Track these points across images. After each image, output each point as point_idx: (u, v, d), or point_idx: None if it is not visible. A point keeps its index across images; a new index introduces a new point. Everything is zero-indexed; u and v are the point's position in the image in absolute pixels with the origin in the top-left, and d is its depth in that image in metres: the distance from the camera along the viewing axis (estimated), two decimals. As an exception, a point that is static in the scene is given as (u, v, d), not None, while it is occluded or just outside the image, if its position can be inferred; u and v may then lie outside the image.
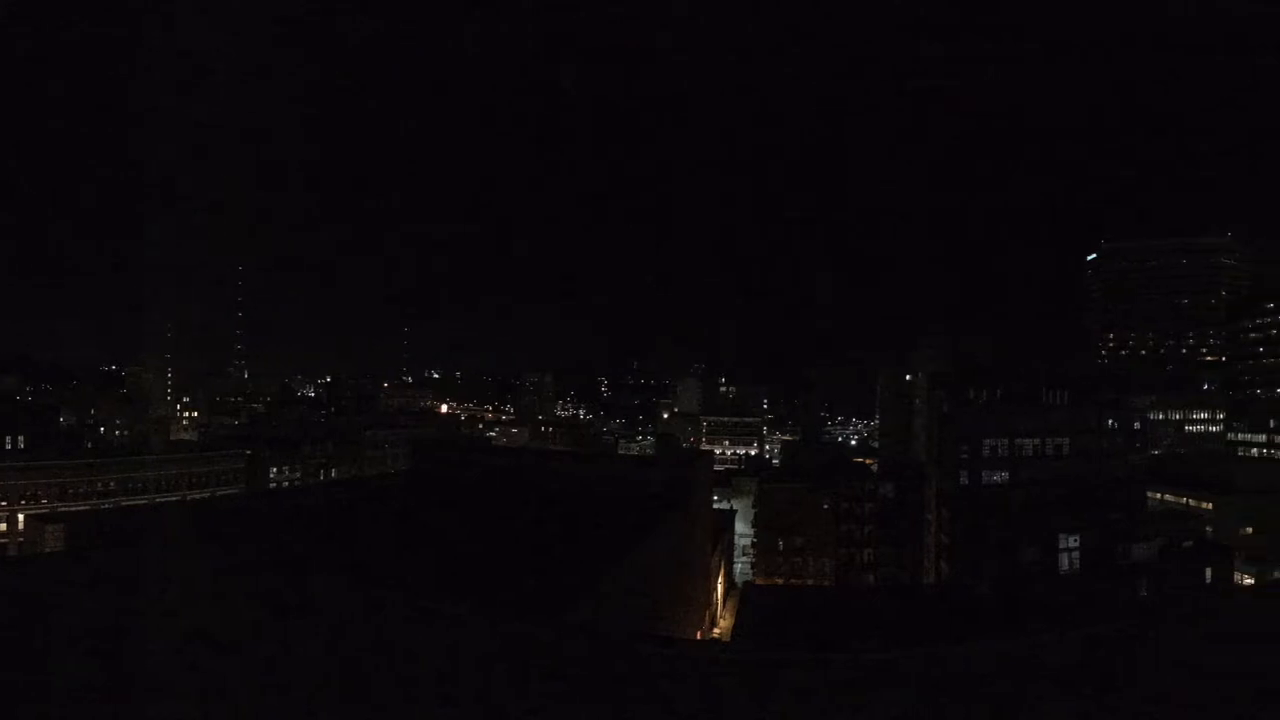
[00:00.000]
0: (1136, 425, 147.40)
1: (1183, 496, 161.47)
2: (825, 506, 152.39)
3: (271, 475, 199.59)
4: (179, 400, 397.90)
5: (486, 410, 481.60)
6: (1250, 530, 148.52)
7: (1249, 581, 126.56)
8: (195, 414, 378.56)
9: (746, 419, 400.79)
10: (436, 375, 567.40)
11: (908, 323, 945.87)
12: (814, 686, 13.36)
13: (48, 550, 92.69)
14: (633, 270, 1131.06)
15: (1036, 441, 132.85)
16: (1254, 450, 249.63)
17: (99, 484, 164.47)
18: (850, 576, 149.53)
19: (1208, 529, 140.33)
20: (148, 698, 11.92)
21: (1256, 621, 15.80)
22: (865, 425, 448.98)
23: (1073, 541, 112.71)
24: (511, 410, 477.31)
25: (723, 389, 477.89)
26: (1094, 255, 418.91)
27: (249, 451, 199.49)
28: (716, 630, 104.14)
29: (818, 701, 12.79)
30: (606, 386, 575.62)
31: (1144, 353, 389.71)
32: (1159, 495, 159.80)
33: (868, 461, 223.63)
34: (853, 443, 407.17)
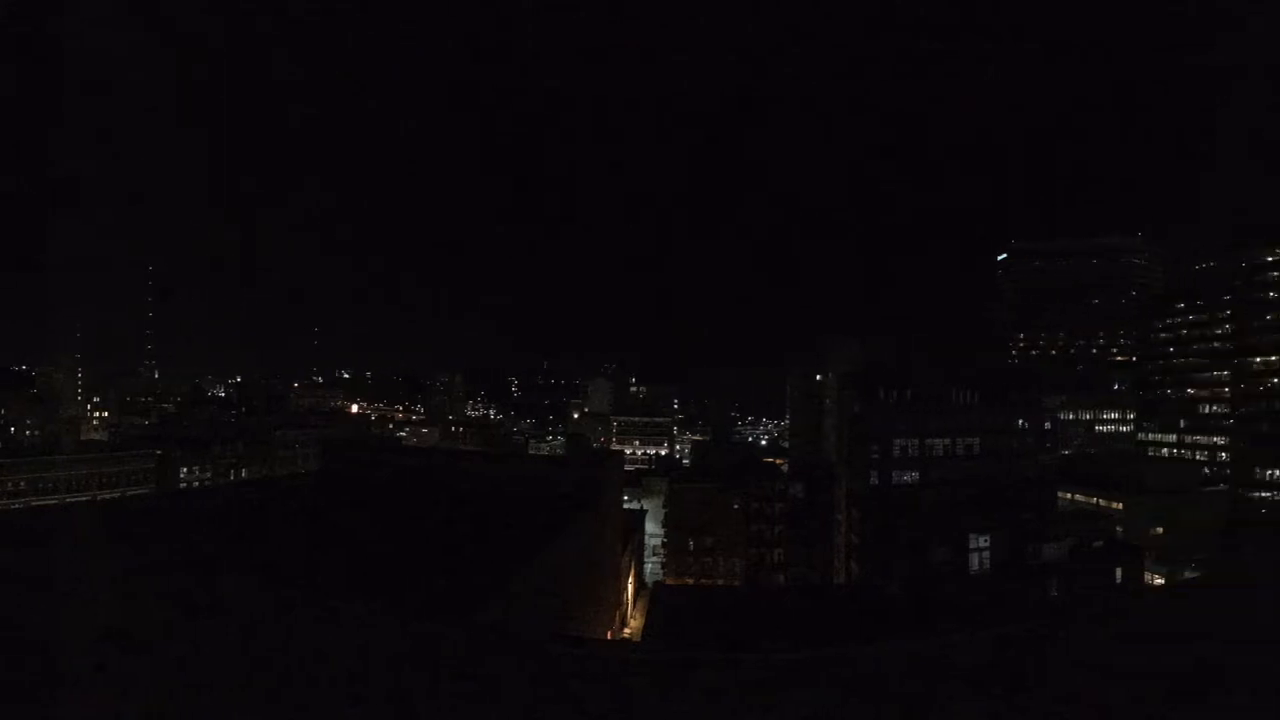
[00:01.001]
0: (1047, 425, 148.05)
1: (1093, 496, 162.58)
2: (735, 506, 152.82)
3: (182, 475, 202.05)
4: (89, 400, 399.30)
5: (397, 410, 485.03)
6: (1160, 530, 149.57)
7: (1159, 581, 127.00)
8: (106, 414, 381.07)
9: (657, 419, 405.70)
10: (347, 375, 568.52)
11: (818, 322, 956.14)
12: (724, 686, 13.06)
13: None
14: (544, 270, 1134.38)
15: (947, 441, 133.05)
16: (1164, 450, 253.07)
17: (9, 484, 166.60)
18: (760, 576, 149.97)
19: (1118, 529, 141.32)
20: (56, 698, 11.66)
21: (1166, 621, 15.55)
22: (775, 425, 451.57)
23: (983, 541, 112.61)
24: (422, 410, 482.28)
25: (633, 389, 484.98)
26: (1004, 255, 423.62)
27: (159, 452, 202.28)
28: (627, 630, 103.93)
29: (728, 701, 12.45)
30: (517, 386, 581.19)
31: (1054, 353, 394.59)
32: (1069, 495, 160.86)
33: (778, 462, 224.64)
34: (763, 443, 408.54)
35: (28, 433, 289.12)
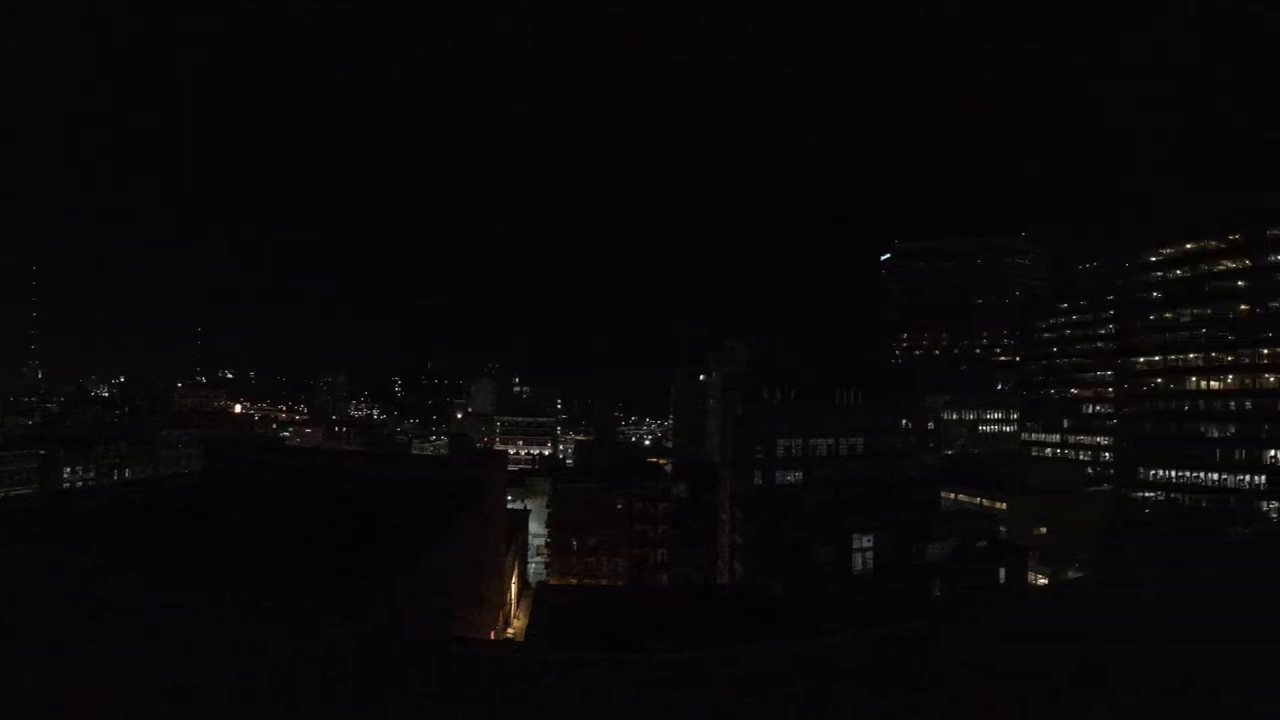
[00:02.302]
0: (930, 425, 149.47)
1: (977, 496, 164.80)
2: (619, 507, 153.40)
3: (65, 475, 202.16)
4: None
5: (280, 410, 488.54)
6: (1043, 530, 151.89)
7: (1042, 581, 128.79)
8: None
9: (540, 419, 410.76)
10: (230, 375, 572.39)
11: (701, 322, 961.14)
12: (608, 686, 13.18)
13: None
14: (428, 270, 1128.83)
15: (831, 441, 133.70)
16: (1047, 450, 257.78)
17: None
18: (644, 576, 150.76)
19: (1001, 529, 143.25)
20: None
21: (1049, 621, 15.47)
22: (659, 425, 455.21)
23: (867, 541, 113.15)
24: (305, 410, 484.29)
25: (516, 389, 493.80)
26: (889, 255, 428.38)
27: (43, 451, 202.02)
28: (510, 630, 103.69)
29: (612, 702, 12.51)
30: (400, 386, 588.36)
31: (938, 352, 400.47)
32: (953, 495, 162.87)
33: (662, 462, 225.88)
34: (647, 443, 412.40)
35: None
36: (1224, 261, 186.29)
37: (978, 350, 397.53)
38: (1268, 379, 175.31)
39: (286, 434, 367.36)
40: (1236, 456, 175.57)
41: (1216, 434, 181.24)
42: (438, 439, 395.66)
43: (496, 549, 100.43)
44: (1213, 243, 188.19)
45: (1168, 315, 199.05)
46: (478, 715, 12.09)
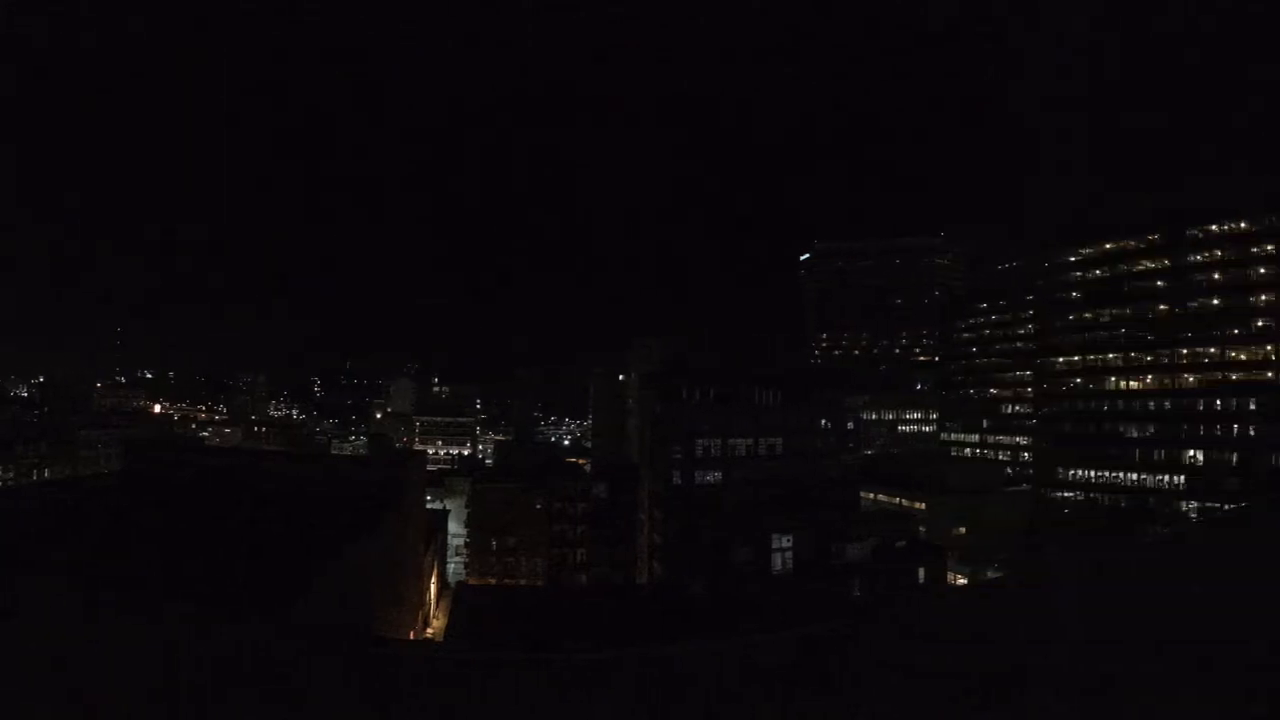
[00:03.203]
0: (850, 425, 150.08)
1: (896, 496, 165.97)
2: (538, 507, 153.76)
3: None
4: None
5: (200, 410, 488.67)
6: (963, 530, 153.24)
7: (962, 581, 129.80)
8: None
9: (459, 419, 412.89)
10: (150, 375, 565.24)
11: (621, 322, 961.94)
12: (528, 686, 12.35)
13: None
14: (346, 269, 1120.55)
15: (750, 441, 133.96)
16: (967, 450, 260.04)
17: None
18: (563, 576, 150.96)
19: (921, 529, 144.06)
20: None
21: (969, 621, 13.93)
22: (579, 425, 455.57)
23: (786, 541, 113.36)
24: (225, 410, 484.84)
25: (436, 389, 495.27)
26: (807, 255, 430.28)
27: None
28: (430, 631, 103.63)
29: (531, 701, 11.78)
30: (319, 386, 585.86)
31: (857, 352, 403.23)
32: (872, 495, 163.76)
33: (581, 462, 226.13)
34: (566, 443, 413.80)
35: None
36: (1143, 261, 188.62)
37: (897, 350, 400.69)
38: (1187, 379, 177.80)
39: (206, 434, 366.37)
40: (1155, 456, 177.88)
41: (1135, 434, 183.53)
42: (357, 439, 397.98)
43: (415, 549, 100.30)
44: (1132, 242, 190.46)
45: (1087, 315, 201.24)
46: (396, 716, 11.60)
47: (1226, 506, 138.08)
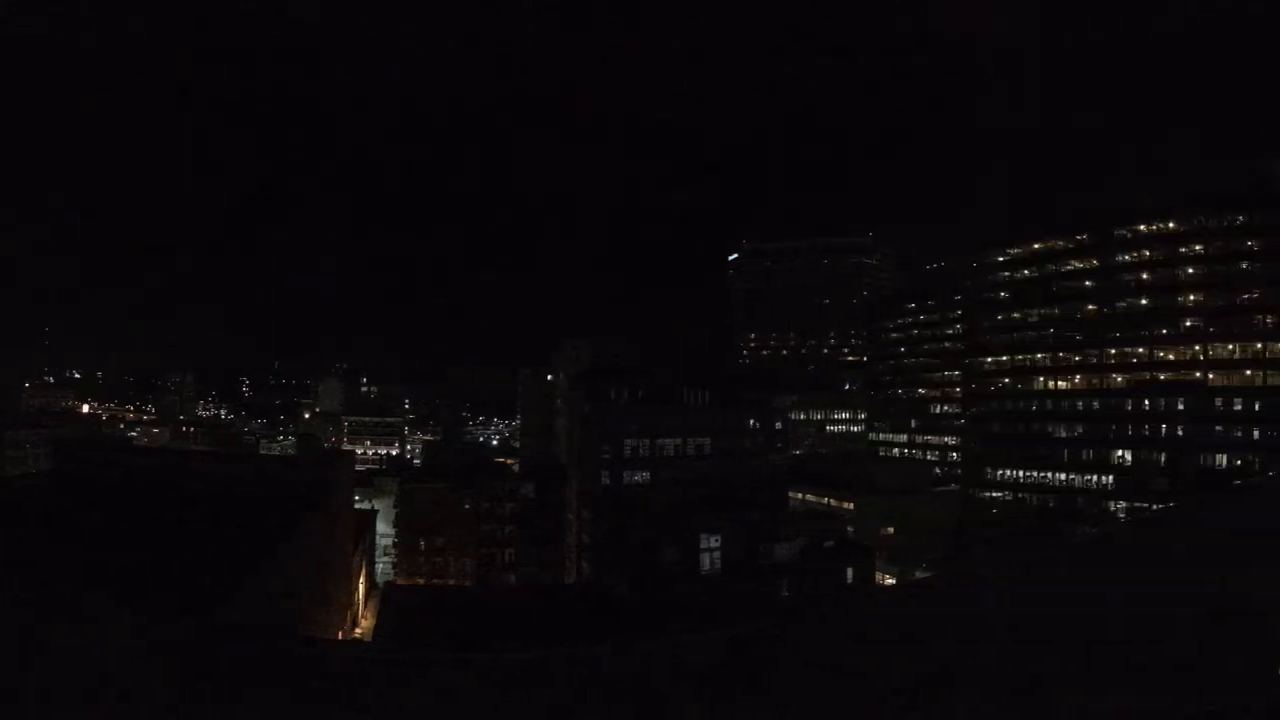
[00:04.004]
0: (778, 425, 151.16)
1: (824, 496, 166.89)
2: (466, 506, 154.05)
3: None
4: None
5: (128, 410, 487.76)
6: (891, 530, 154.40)
7: (890, 581, 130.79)
8: None
9: (388, 419, 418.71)
10: (78, 375, 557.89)
11: (550, 322, 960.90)
12: (456, 686, 13.36)
13: None
14: (275, 269, 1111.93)
15: (678, 441, 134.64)
16: (895, 450, 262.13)
17: None
18: (492, 576, 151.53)
19: (849, 529, 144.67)
20: None
21: (897, 621, 15.49)
22: (507, 425, 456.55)
23: (714, 541, 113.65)
24: (153, 410, 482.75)
25: (364, 389, 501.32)
26: (736, 255, 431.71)
27: None
28: (358, 631, 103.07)
29: (460, 701, 12.79)
30: (248, 386, 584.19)
31: (785, 353, 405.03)
32: (801, 495, 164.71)
33: (509, 462, 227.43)
34: (494, 443, 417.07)
35: None
36: (1071, 261, 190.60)
37: (825, 350, 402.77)
38: (1115, 379, 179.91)
39: (134, 434, 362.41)
40: (1084, 457, 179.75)
41: (1064, 434, 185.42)
42: (285, 439, 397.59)
43: (344, 549, 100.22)
44: (1060, 243, 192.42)
45: (1015, 315, 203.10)
46: (324, 715, 12.17)
47: (1154, 507, 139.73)
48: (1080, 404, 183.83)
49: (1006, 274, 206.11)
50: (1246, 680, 9.60)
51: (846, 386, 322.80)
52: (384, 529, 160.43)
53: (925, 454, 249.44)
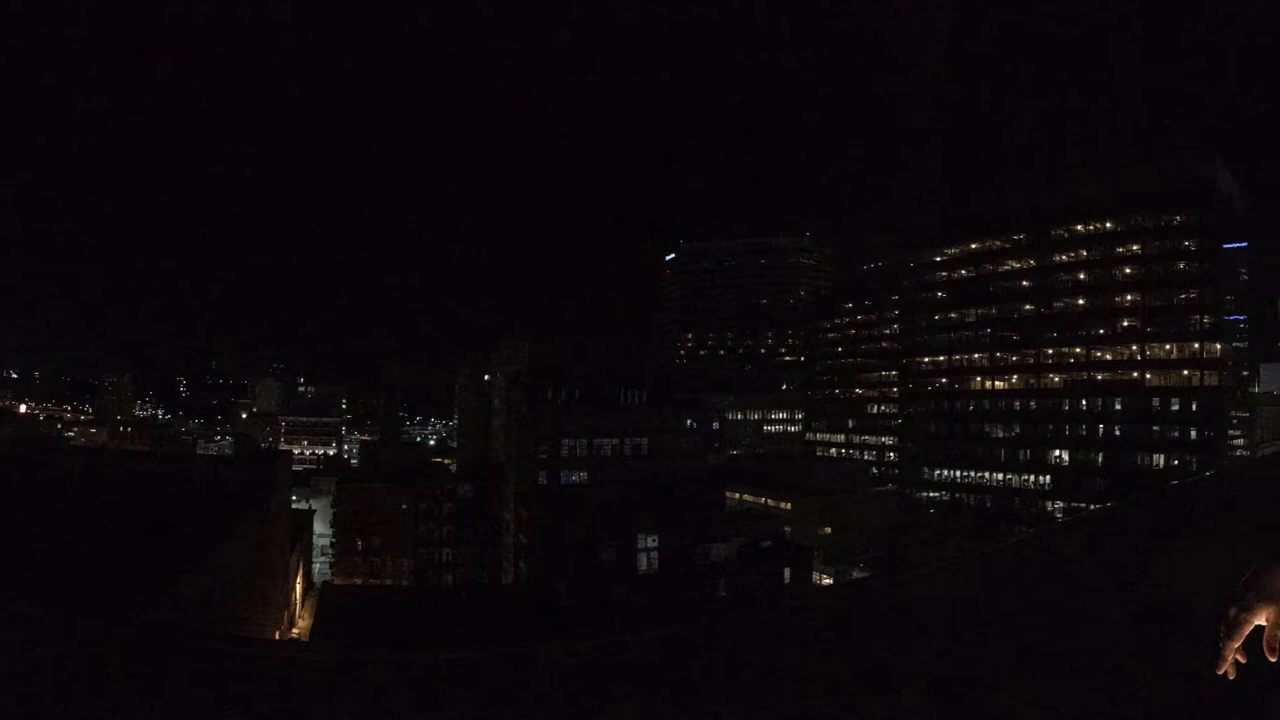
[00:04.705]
0: (715, 425, 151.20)
1: (761, 496, 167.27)
2: (404, 507, 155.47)
3: None
4: None
5: (65, 410, 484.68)
6: (828, 530, 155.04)
7: (827, 581, 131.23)
8: None
9: (325, 419, 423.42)
10: (15, 375, 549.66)
11: (487, 322, 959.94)
12: (392, 686, 12.79)
13: None
14: (211, 268, 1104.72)
15: (616, 441, 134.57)
16: (832, 450, 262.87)
17: None
18: (429, 576, 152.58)
19: (786, 529, 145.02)
20: None
21: (833, 621, 14.90)
22: (444, 425, 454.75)
23: (651, 541, 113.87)
24: (90, 410, 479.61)
25: (301, 389, 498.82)
26: (673, 255, 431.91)
27: None
28: (295, 630, 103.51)
29: (396, 701, 12.15)
30: (185, 386, 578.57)
31: (723, 353, 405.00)
32: (738, 495, 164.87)
33: (447, 462, 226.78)
34: (431, 443, 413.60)
35: None
36: (1009, 261, 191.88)
37: (762, 350, 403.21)
38: (1052, 379, 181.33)
39: (71, 434, 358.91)
40: (1021, 456, 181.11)
41: (1001, 434, 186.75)
42: (223, 439, 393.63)
43: (281, 549, 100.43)
44: (997, 242, 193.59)
45: (952, 315, 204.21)
46: (259, 716, 11.61)
47: (1091, 507, 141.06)
48: (1017, 404, 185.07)
49: (944, 274, 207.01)
50: (1179, 681, 9.65)
51: (784, 386, 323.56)
52: (321, 529, 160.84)
53: (862, 454, 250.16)
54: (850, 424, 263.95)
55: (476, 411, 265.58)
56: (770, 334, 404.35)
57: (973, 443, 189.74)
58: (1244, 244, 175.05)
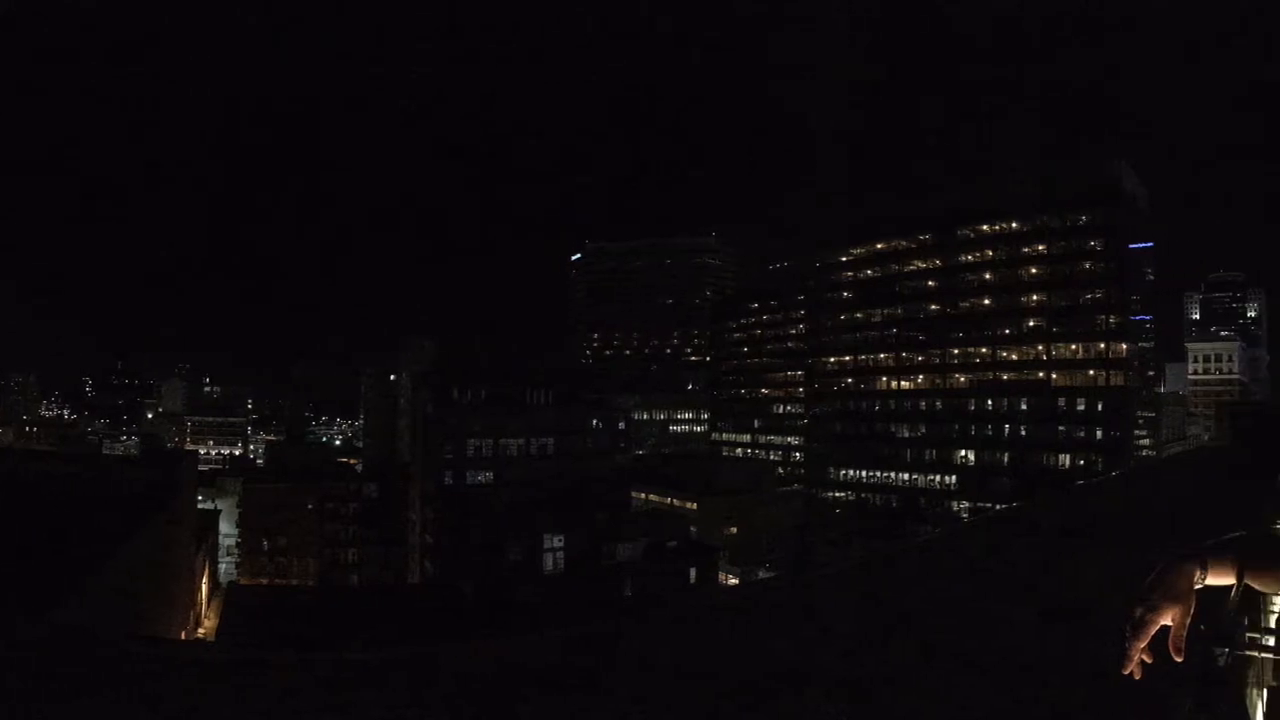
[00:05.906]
0: (621, 425, 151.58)
1: (667, 496, 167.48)
2: (309, 507, 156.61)
3: None
4: None
5: None
6: (734, 530, 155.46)
7: (733, 581, 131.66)
8: None
9: (231, 419, 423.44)
10: None
11: (393, 321, 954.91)
12: (297, 687, 13.11)
13: None
14: (117, 267, 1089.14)
15: (521, 441, 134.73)
16: (738, 450, 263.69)
17: None
18: (335, 576, 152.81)
19: (692, 529, 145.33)
20: None
21: (738, 621, 15.57)
22: (350, 425, 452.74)
23: (557, 541, 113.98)
24: None
25: (207, 389, 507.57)
26: (579, 255, 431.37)
27: None
28: (201, 631, 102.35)
29: (301, 701, 12.41)
30: (91, 386, 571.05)
31: (628, 353, 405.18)
32: (644, 495, 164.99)
33: (352, 462, 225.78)
34: (338, 443, 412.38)
35: None
36: (914, 261, 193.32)
37: (668, 350, 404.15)
38: (958, 379, 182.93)
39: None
40: (927, 456, 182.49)
41: (907, 434, 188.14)
42: (129, 439, 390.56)
43: (187, 549, 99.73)
44: (903, 242, 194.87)
45: (858, 315, 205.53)
46: (165, 716, 11.79)
47: (997, 507, 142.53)
48: (923, 404, 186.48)
49: (850, 274, 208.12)
50: (1085, 681, 9.75)
51: (689, 386, 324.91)
52: (227, 529, 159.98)
53: (768, 454, 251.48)
54: (756, 424, 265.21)
55: (382, 411, 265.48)
56: (676, 334, 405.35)
57: (879, 443, 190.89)
58: (1150, 244, 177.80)
